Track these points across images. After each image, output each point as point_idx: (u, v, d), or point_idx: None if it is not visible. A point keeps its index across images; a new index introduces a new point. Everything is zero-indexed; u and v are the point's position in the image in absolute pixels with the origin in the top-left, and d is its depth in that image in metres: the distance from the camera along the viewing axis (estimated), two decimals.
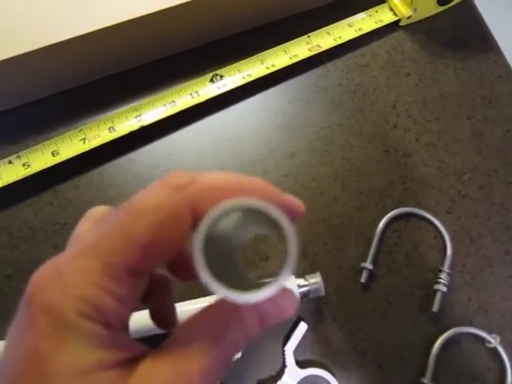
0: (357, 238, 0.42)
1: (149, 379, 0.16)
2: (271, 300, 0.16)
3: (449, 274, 0.40)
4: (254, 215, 0.17)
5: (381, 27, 0.49)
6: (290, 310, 0.20)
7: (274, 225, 0.16)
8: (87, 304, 0.15)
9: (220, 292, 0.15)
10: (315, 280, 0.38)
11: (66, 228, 0.41)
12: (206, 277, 0.15)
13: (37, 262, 0.17)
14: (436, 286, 0.40)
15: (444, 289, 0.40)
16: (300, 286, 0.37)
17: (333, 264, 0.41)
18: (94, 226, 0.19)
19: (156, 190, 0.17)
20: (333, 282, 0.40)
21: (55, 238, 0.40)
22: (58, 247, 0.40)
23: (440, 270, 0.40)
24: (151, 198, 0.17)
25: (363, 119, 0.46)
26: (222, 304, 0.18)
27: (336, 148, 0.44)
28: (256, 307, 0.18)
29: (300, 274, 0.40)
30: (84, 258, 0.16)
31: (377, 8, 0.50)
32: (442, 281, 0.40)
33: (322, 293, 0.38)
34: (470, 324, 0.40)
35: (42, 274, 0.16)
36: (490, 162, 0.45)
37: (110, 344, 0.16)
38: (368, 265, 0.40)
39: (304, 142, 0.45)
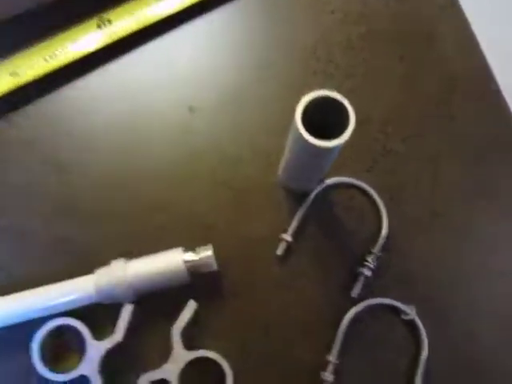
0: (265, 204, 0.37)
1: None
2: None
3: (378, 258, 0.35)
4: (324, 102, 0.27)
5: None
6: None
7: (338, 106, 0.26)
8: None
9: (309, 138, 0.26)
10: (206, 253, 0.34)
11: None
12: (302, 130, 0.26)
13: None
14: (361, 269, 0.35)
15: (369, 273, 0.35)
16: (187, 261, 0.33)
17: (235, 234, 0.36)
18: None
19: None
20: (235, 255, 0.36)
21: None
22: None
23: (370, 252, 0.36)
24: None
25: (278, 67, 0.40)
26: None
27: (242, 101, 0.39)
28: None
29: (197, 245, 0.36)
30: None
31: None
32: (368, 264, 0.35)
33: (214, 267, 0.34)
34: (387, 295, 0.36)
35: None
36: (421, 110, 0.39)
37: None
38: (287, 236, 0.36)
39: (206, 91, 0.39)
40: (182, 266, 0.33)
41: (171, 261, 0.33)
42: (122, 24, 0.39)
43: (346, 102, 0.26)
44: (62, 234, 0.36)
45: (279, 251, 0.36)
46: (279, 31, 0.41)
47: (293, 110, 0.38)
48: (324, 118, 0.29)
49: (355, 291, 0.35)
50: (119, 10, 0.39)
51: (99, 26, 0.39)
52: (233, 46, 0.40)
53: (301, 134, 0.26)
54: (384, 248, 0.36)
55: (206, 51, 0.40)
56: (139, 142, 0.38)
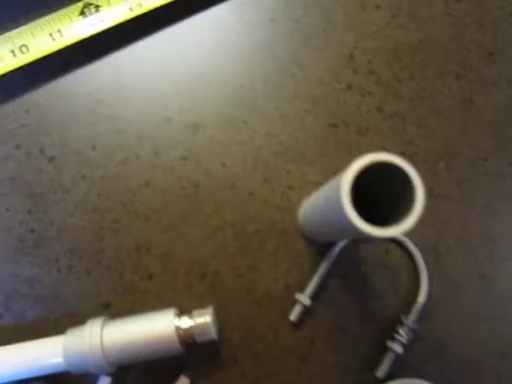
0: (278, 253, 0.30)
1: None
2: None
3: (412, 331, 0.29)
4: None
5: None
6: None
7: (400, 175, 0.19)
8: None
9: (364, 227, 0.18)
10: (203, 320, 0.27)
11: None
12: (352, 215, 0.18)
13: None
14: (390, 343, 0.29)
15: (400, 350, 0.28)
16: (180, 329, 0.27)
17: (241, 288, 0.30)
18: None
19: None
20: (238, 312, 0.30)
21: None
22: None
23: (401, 322, 0.29)
24: None
25: (302, 74, 0.32)
26: None
27: (259, 118, 0.31)
28: None
29: (192, 302, 0.29)
30: None
31: None
32: (400, 338, 0.28)
33: (213, 336, 0.27)
34: (418, 374, 0.29)
35: None
36: (479, 144, 0.32)
37: None
38: (304, 299, 0.29)
39: (213, 107, 0.31)
40: (174, 336, 0.26)
41: (160, 328, 0.26)
42: (112, 11, 0.30)
43: (414, 176, 0.19)
44: (27, 274, 0.29)
45: (293, 316, 0.29)
46: (309, 27, 0.32)
47: (319, 133, 0.31)
48: (371, 180, 0.21)
49: (381, 370, 0.29)
50: None
51: (83, 13, 0.30)
52: (244, 41, 0.32)
53: (346, 215, 0.18)
54: (420, 317, 0.29)
55: (213, 52, 0.32)
56: (130, 165, 0.31)
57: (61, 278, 0.29)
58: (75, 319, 0.29)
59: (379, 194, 0.23)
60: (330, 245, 0.30)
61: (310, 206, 0.27)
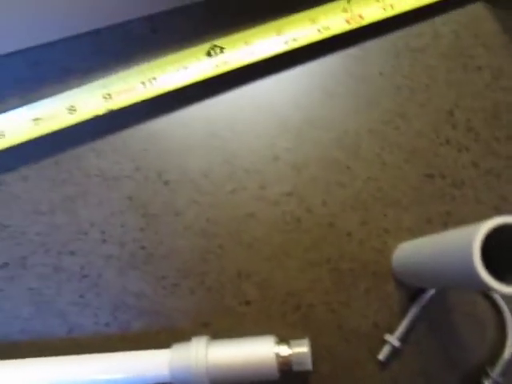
0: (370, 292, 0.32)
1: None
2: None
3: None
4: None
5: None
6: None
7: None
8: None
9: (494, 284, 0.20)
10: (301, 350, 0.29)
11: (8, 231, 0.33)
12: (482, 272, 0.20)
13: None
14: None
15: None
16: (279, 356, 0.28)
17: (332, 322, 0.31)
18: None
19: None
20: (328, 346, 0.31)
21: None
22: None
23: (487, 374, 0.30)
24: None
25: (405, 126, 0.34)
26: None
27: (361, 163, 0.33)
28: None
29: (285, 330, 0.31)
30: None
31: None
32: None
33: (309, 367, 0.29)
34: None
35: None
36: None
37: None
38: (394, 340, 0.30)
39: (319, 149, 0.33)
40: (273, 363, 0.28)
41: (260, 353, 0.28)
42: (235, 54, 0.33)
43: None
44: (135, 288, 0.32)
45: (382, 356, 0.30)
46: (410, 83, 0.34)
47: (415, 183, 0.33)
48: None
49: None
50: (234, 37, 0.34)
51: (209, 54, 0.33)
52: (353, 91, 0.34)
53: (477, 272, 0.20)
54: (505, 371, 0.30)
55: (323, 99, 0.34)
56: (234, 199, 0.33)
57: (166, 294, 0.32)
58: (176, 334, 0.31)
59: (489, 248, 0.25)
60: (420, 290, 0.31)
61: (409, 252, 0.29)
